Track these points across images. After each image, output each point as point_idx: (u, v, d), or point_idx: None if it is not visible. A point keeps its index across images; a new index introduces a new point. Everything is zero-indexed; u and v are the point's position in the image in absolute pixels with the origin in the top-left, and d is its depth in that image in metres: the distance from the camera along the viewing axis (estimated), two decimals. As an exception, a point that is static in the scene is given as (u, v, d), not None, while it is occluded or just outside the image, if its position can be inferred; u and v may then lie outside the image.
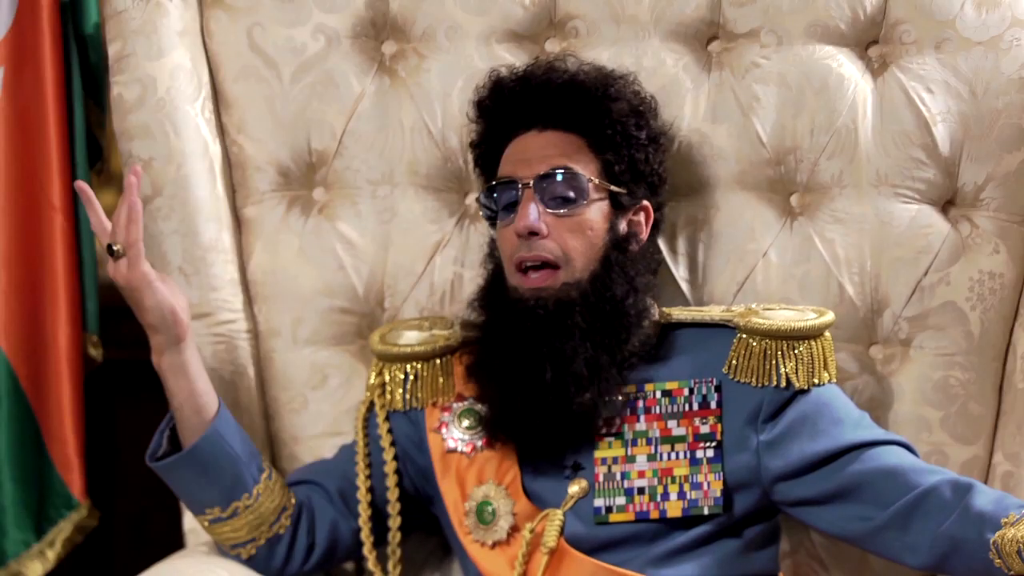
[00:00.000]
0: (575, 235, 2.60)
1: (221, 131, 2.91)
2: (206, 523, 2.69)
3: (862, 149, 2.80)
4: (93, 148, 2.99)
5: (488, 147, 2.71)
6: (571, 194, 2.60)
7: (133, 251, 2.57)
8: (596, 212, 2.62)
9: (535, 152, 2.63)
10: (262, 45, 2.88)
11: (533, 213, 2.59)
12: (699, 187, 2.83)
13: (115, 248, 2.57)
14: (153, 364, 2.65)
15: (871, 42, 2.82)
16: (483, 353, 2.64)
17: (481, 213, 2.69)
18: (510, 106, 2.67)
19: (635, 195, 2.64)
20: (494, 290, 2.65)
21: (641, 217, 2.66)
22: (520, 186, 2.61)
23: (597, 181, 2.61)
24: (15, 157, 2.91)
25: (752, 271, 2.82)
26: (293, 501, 2.71)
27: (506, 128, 2.68)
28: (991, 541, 2.40)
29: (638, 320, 2.61)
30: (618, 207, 2.63)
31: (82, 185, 2.62)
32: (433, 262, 2.88)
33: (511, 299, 2.61)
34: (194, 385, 2.63)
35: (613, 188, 2.62)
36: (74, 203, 2.94)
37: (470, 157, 2.85)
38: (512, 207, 2.62)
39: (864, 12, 2.80)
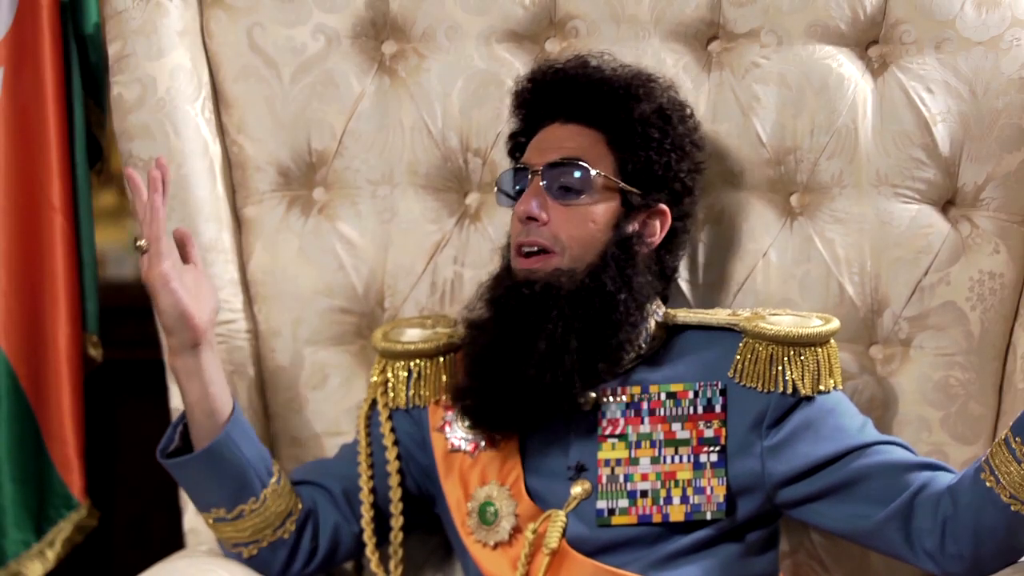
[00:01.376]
0: (575, 225, 2.61)
1: (221, 131, 2.91)
2: (210, 520, 2.69)
3: (862, 149, 2.80)
4: (93, 148, 2.99)
5: (521, 137, 2.73)
6: (577, 185, 2.61)
7: (153, 248, 2.56)
8: (602, 207, 2.62)
9: (552, 142, 2.65)
10: (262, 45, 2.88)
11: (535, 200, 2.60)
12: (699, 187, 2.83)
13: (139, 244, 2.56)
14: (166, 363, 2.64)
15: (871, 42, 2.82)
16: (471, 333, 2.64)
17: (497, 199, 2.70)
18: (540, 97, 2.69)
19: (649, 197, 2.64)
20: (497, 279, 2.66)
21: (656, 221, 2.65)
22: (530, 173, 2.63)
23: (606, 177, 2.61)
24: (15, 157, 2.91)
25: (752, 271, 2.82)
26: (300, 507, 2.70)
27: (536, 119, 2.70)
28: (982, 462, 2.42)
29: (627, 317, 2.60)
30: (629, 207, 2.63)
31: (131, 173, 2.60)
32: (433, 262, 2.88)
33: (506, 283, 2.62)
34: (207, 389, 2.62)
35: (624, 186, 2.62)
36: (74, 203, 2.94)
37: (470, 157, 2.85)
38: (521, 192, 2.64)
39: (864, 12, 2.80)
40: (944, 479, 2.52)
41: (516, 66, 2.84)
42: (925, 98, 2.78)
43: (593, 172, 2.61)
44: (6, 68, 2.89)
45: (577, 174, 2.61)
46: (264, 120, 2.89)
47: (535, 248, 2.61)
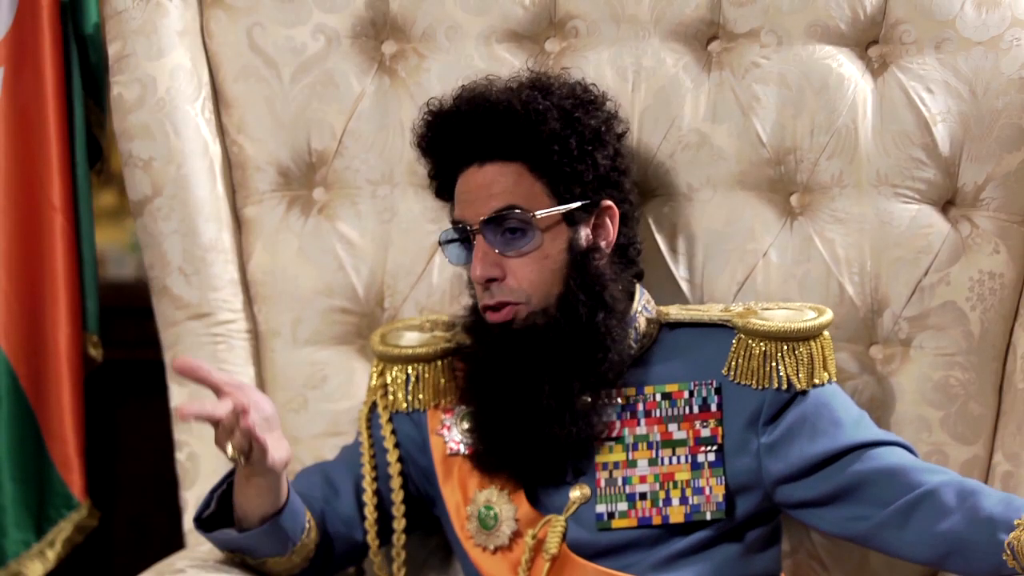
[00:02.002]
0: (533, 271, 2.56)
1: (221, 131, 2.91)
2: (227, 554, 2.66)
3: (862, 149, 2.80)
4: (93, 148, 2.99)
5: (441, 179, 2.66)
6: (519, 234, 2.56)
7: (256, 453, 2.46)
8: (550, 240, 2.57)
9: (478, 192, 2.58)
10: (262, 45, 2.88)
11: (484, 262, 2.56)
12: (699, 187, 2.83)
13: (232, 456, 2.46)
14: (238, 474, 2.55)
15: (871, 42, 2.82)
16: (469, 385, 2.64)
17: (448, 258, 2.64)
18: (445, 142, 2.62)
19: (590, 203, 2.59)
20: (476, 317, 2.63)
21: (605, 219, 2.61)
22: (471, 231, 2.58)
23: (542, 213, 2.56)
24: (15, 157, 2.91)
25: (752, 271, 2.82)
26: (317, 542, 2.67)
27: (450, 163, 2.63)
28: (1005, 543, 2.40)
29: (610, 333, 2.58)
30: (574, 222, 2.58)
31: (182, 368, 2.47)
32: (433, 262, 2.88)
33: (486, 329, 2.60)
34: (267, 497, 2.54)
35: (562, 209, 2.57)
36: (74, 203, 2.95)
37: None
38: (471, 250, 2.59)
39: (864, 12, 2.80)
40: (945, 488, 2.50)
41: (516, 66, 2.83)
42: (925, 98, 2.78)
43: (531, 214, 2.55)
44: (6, 68, 2.89)
45: (516, 223, 2.55)
46: (264, 120, 2.89)
47: (502, 306, 2.57)
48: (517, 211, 2.56)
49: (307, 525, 2.63)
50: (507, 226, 2.56)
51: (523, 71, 2.67)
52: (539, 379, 2.55)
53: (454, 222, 2.62)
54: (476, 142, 2.58)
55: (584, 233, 2.59)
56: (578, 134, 2.57)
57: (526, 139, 2.56)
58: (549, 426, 2.56)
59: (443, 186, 2.66)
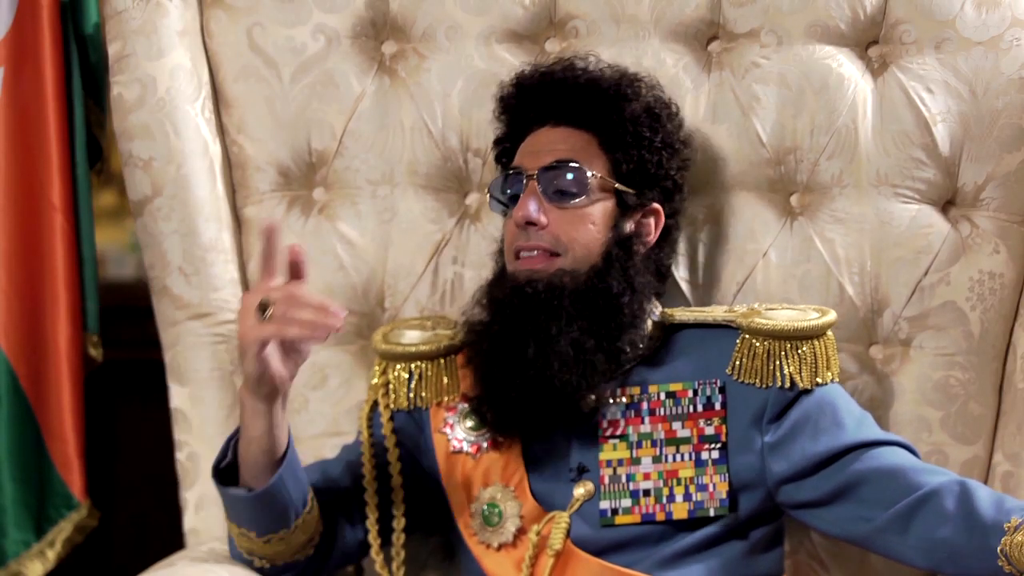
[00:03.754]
0: (576, 227, 2.61)
1: (221, 131, 2.91)
2: (235, 530, 2.64)
3: (862, 149, 2.80)
4: (93, 148, 2.99)
5: (508, 142, 2.72)
6: (573, 188, 2.61)
7: (283, 331, 2.42)
8: (599, 208, 2.62)
9: (544, 145, 2.65)
10: (262, 45, 2.88)
11: (532, 204, 2.60)
12: (699, 187, 2.83)
13: (267, 312, 2.43)
14: (238, 393, 2.54)
15: (871, 42, 2.82)
16: (477, 337, 2.64)
17: (490, 206, 2.71)
18: (528, 101, 2.69)
19: (643, 196, 2.64)
20: (496, 282, 2.66)
21: (651, 220, 2.66)
22: (524, 177, 2.63)
23: (601, 178, 2.62)
24: (15, 157, 2.91)
25: (752, 271, 2.82)
26: (321, 529, 2.66)
27: (524, 123, 2.70)
28: (998, 549, 2.40)
29: (632, 320, 2.60)
30: (624, 207, 2.63)
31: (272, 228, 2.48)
32: (433, 262, 2.88)
33: (508, 285, 2.62)
34: (270, 431, 2.52)
35: (619, 187, 2.62)
36: (74, 203, 2.94)
37: (470, 157, 2.85)
38: (517, 198, 2.63)
39: (864, 12, 2.80)
40: (945, 491, 2.50)
41: (516, 66, 2.83)
42: (925, 98, 2.78)
43: (589, 173, 2.61)
44: (6, 68, 2.89)
45: (573, 176, 2.61)
46: (264, 120, 2.89)
47: (535, 252, 2.61)
48: (577, 165, 2.61)
49: (310, 500, 2.61)
50: (562, 181, 2.61)
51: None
52: (556, 329, 2.56)
53: (511, 170, 2.66)
54: (559, 103, 2.65)
55: (629, 223, 2.64)
56: (654, 130, 2.65)
57: (606, 112, 2.63)
58: (562, 372, 2.56)
59: (506, 150, 2.72)
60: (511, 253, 2.64)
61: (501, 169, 2.75)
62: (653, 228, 2.66)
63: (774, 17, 2.81)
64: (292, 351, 2.46)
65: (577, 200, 2.61)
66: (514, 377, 2.58)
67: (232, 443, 2.59)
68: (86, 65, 2.95)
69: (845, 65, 2.81)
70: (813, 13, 2.80)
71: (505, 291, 2.62)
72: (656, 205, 2.66)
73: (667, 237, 2.69)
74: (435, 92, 2.87)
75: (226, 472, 2.58)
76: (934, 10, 2.77)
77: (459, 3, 2.86)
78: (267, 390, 2.48)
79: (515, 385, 2.58)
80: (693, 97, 2.82)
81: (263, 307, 2.44)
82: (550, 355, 2.56)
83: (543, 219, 2.60)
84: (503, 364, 2.59)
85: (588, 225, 2.61)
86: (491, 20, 2.86)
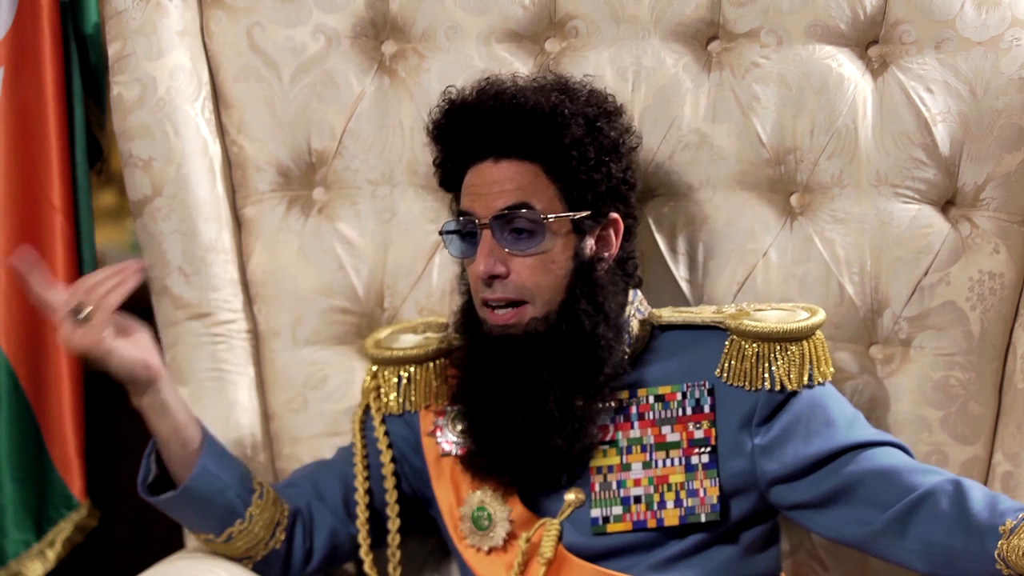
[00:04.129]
0: (538, 271, 2.55)
1: (221, 131, 2.91)
2: (202, 540, 2.70)
3: (862, 149, 2.80)
4: (93, 148, 3.00)
5: (449, 170, 2.64)
6: (529, 231, 2.55)
7: (100, 316, 2.51)
8: (558, 244, 2.56)
9: (492, 186, 2.56)
10: (262, 45, 2.88)
11: (491, 258, 2.54)
12: (699, 187, 2.83)
13: (84, 312, 2.50)
14: (133, 405, 2.61)
15: (871, 42, 2.82)
16: (463, 387, 2.63)
17: (447, 249, 2.62)
18: (464, 134, 2.60)
19: (599, 213, 2.58)
20: (468, 317, 2.62)
21: (610, 231, 2.60)
22: (478, 225, 2.56)
23: (554, 216, 2.55)
24: (15, 157, 2.91)
25: (752, 271, 2.82)
26: (286, 512, 2.69)
27: (463, 155, 2.61)
28: (995, 553, 2.40)
29: (609, 346, 2.57)
30: (582, 231, 2.58)
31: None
32: (433, 262, 2.88)
33: (482, 332, 2.59)
34: (176, 419, 2.61)
35: (573, 216, 2.56)
36: (74, 203, 2.94)
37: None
38: (474, 243, 2.57)
39: (864, 12, 2.80)
40: (940, 493, 2.49)
41: (516, 66, 2.84)
42: (925, 98, 2.78)
43: (542, 217, 2.54)
44: (6, 68, 2.89)
45: (527, 222, 2.54)
46: (264, 120, 2.89)
47: (503, 303, 2.56)
48: (530, 211, 2.54)
49: (257, 487, 2.65)
50: (517, 225, 2.55)
51: (546, 72, 2.66)
52: (540, 387, 2.55)
53: (460, 212, 2.59)
54: (497, 137, 2.56)
55: (589, 243, 2.59)
56: (598, 143, 2.57)
57: (549, 141, 2.54)
58: (550, 437, 2.55)
59: (449, 177, 2.64)
60: (480, 302, 2.59)
61: (451, 204, 2.66)
62: (614, 238, 2.61)
63: (774, 17, 2.81)
64: (124, 326, 2.54)
65: (536, 242, 2.55)
66: (503, 440, 2.57)
67: (151, 455, 2.64)
68: (86, 65, 2.95)
69: (845, 65, 2.81)
70: (813, 13, 2.80)
71: (482, 345, 2.58)
72: (613, 215, 2.60)
73: (628, 236, 2.64)
74: (435, 92, 2.85)
75: (158, 485, 2.64)
76: (934, 10, 2.77)
77: (459, 3, 2.86)
78: (144, 375, 2.57)
79: (504, 446, 2.58)
80: (693, 97, 2.82)
81: (76, 311, 2.49)
82: (538, 422, 2.55)
83: (504, 270, 2.55)
84: (491, 427, 2.58)
85: (549, 266, 2.55)
86: (491, 20, 2.86)
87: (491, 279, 2.55)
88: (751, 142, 2.82)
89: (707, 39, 2.85)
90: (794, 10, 2.80)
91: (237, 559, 2.70)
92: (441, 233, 2.62)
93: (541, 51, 2.87)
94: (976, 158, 2.78)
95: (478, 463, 2.62)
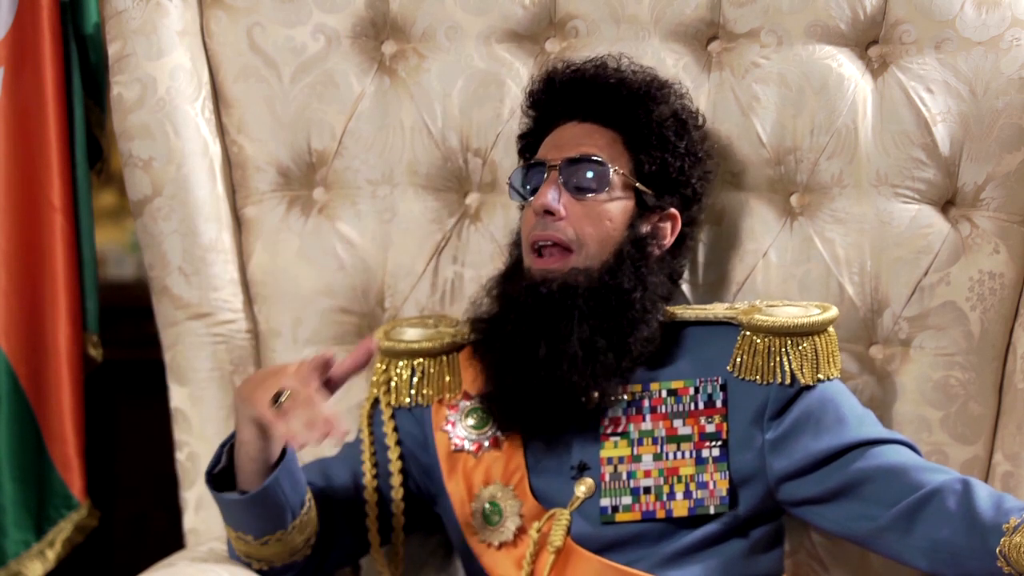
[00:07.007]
0: (592, 222, 2.61)
1: (221, 131, 2.91)
2: (232, 535, 2.64)
3: (862, 149, 2.80)
4: (93, 148, 2.99)
5: (532, 137, 2.73)
6: (594, 183, 2.61)
7: (295, 406, 2.45)
8: (618, 206, 2.62)
9: (569, 139, 2.66)
10: (262, 45, 2.88)
11: (553, 193, 2.61)
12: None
13: (283, 397, 2.45)
14: (233, 399, 2.57)
15: (871, 42, 2.82)
16: (487, 332, 2.64)
17: (510, 195, 2.70)
18: (556, 97, 2.70)
19: (662, 200, 2.65)
20: (510, 276, 2.66)
21: (668, 224, 2.66)
22: (547, 167, 2.63)
23: (623, 175, 2.62)
24: (15, 157, 2.91)
25: (752, 271, 2.83)
26: (318, 530, 2.66)
27: (551, 118, 2.71)
28: (997, 550, 2.40)
29: (643, 316, 2.60)
30: (643, 207, 2.64)
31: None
32: (433, 262, 2.89)
33: (521, 281, 2.62)
34: (264, 435, 2.52)
35: (639, 186, 2.63)
36: (74, 203, 2.94)
37: (470, 156, 2.85)
38: (537, 189, 2.64)
39: (864, 12, 2.80)
40: (947, 491, 2.49)
41: (516, 66, 2.84)
42: (925, 98, 2.78)
43: (611, 169, 2.61)
44: (6, 68, 2.89)
45: (595, 170, 2.62)
46: (264, 120, 2.89)
47: (550, 243, 2.61)
48: (600, 160, 2.61)
49: (307, 501, 2.61)
50: (584, 172, 2.62)
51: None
52: (567, 327, 2.57)
53: (534, 162, 2.66)
54: (587, 100, 2.66)
55: (646, 224, 2.64)
56: (679, 135, 2.66)
57: (633, 112, 2.64)
58: (570, 372, 2.56)
59: (530, 144, 2.73)
60: (528, 245, 2.64)
61: (523, 161, 2.75)
62: (669, 232, 2.66)
63: (774, 17, 2.81)
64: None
65: (597, 195, 2.62)
66: (523, 376, 2.58)
67: (227, 447, 2.59)
68: (86, 65, 2.95)
69: (845, 65, 2.81)
70: (813, 13, 2.80)
71: (519, 288, 2.62)
72: (674, 210, 2.66)
73: (681, 244, 2.69)
74: (435, 92, 2.87)
75: (222, 476, 2.58)
76: (934, 10, 2.78)
77: (459, 3, 2.86)
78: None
79: (524, 383, 2.58)
80: (693, 97, 2.82)
81: (279, 392, 2.44)
82: (560, 356, 2.57)
83: (561, 209, 2.61)
84: (513, 362, 2.59)
85: (605, 221, 2.62)
86: (491, 20, 2.86)
87: (545, 214, 2.60)
88: (751, 142, 2.82)
89: (707, 39, 2.85)
90: (794, 10, 2.80)
91: (256, 559, 2.65)
92: (509, 182, 2.68)
93: (541, 51, 2.87)
94: (976, 158, 2.78)
95: (494, 404, 2.63)
